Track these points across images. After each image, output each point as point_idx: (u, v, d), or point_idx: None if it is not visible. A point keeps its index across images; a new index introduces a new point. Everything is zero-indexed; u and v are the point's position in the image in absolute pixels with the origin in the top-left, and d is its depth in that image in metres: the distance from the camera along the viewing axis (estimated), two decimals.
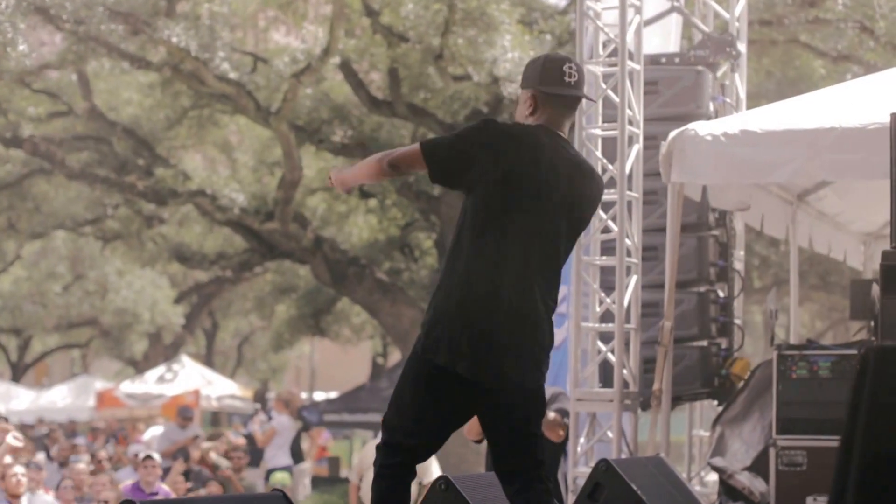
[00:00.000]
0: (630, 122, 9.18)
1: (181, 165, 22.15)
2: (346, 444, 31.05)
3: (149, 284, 31.80)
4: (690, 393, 9.74)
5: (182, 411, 19.03)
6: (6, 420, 16.22)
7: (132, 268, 31.15)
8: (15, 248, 32.08)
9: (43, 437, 21.73)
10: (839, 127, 8.15)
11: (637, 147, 9.25)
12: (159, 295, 31.97)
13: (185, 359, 30.78)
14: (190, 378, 28.71)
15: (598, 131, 9.31)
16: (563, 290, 10.14)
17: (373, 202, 22.72)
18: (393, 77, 19.04)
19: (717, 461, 9.06)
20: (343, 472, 25.86)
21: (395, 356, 32.47)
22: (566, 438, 8.89)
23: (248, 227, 20.65)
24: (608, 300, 9.16)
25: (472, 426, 8.15)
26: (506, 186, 5.10)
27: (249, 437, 20.01)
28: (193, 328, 36.02)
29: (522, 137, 5.17)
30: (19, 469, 10.84)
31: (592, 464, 7.07)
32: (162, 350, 34.00)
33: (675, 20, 10.49)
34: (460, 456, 18.17)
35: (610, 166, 9.07)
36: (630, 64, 9.17)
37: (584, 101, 9.07)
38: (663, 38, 10.45)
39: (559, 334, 10.46)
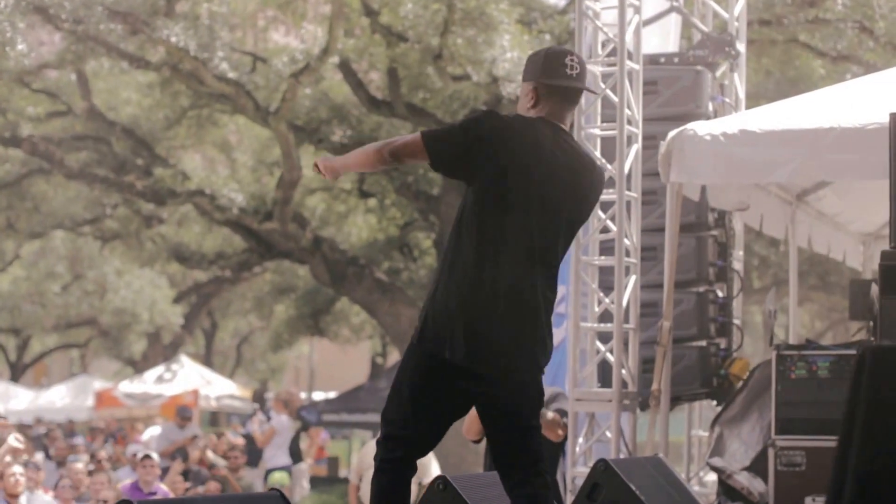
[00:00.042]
0: (629, 122, 9.17)
1: (180, 165, 22.15)
2: (345, 444, 31.05)
3: (148, 284, 31.79)
4: (689, 393, 9.73)
5: (181, 411, 19.02)
6: (5, 419, 16.23)
7: (131, 267, 31.14)
8: (14, 247, 32.09)
9: (41, 436, 21.72)
10: (838, 127, 8.14)
11: (636, 147, 9.24)
12: (158, 295, 31.96)
13: (183, 359, 30.78)
14: (189, 378, 28.71)
15: (597, 131, 9.30)
16: (561, 290, 10.16)
17: (372, 202, 22.73)
18: (392, 77, 19.04)
19: (716, 461, 9.05)
20: (342, 472, 25.85)
21: (395, 356, 32.46)
22: (565, 438, 8.89)
23: (247, 226, 20.64)
24: (607, 300, 9.16)
25: (471, 426, 8.16)
26: (506, 178, 5.09)
27: (248, 437, 20.00)
28: (192, 328, 36.01)
29: (524, 129, 5.17)
30: (18, 469, 10.84)
31: (591, 464, 7.06)
32: (161, 350, 33.99)
33: (674, 20, 10.48)
34: (460, 456, 18.17)
35: (609, 166, 9.06)
36: (629, 64, 9.16)
37: (583, 100, 9.12)
38: (662, 38, 10.44)
39: (558, 334, 10.46)
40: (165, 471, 14.32)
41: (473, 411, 7.92)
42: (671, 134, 8.55)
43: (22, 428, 22.61)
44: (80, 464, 13.66)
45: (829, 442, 7.22)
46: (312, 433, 21.14)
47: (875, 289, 8.40)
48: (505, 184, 5.10)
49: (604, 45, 9.43)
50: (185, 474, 14.96)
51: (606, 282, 9.24)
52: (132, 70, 20.19)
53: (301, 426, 20.59)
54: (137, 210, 24.03)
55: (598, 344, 9.26)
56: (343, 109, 20.01)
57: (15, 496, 10.77)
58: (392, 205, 22.18)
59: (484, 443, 8.35)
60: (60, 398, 31.94)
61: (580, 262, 9.26)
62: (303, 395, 35.07)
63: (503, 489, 5.24)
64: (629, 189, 9.17)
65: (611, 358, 9.09)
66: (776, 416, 8.48)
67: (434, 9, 16.97)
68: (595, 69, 9.26)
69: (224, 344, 42.53)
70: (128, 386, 29.34)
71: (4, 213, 25.29)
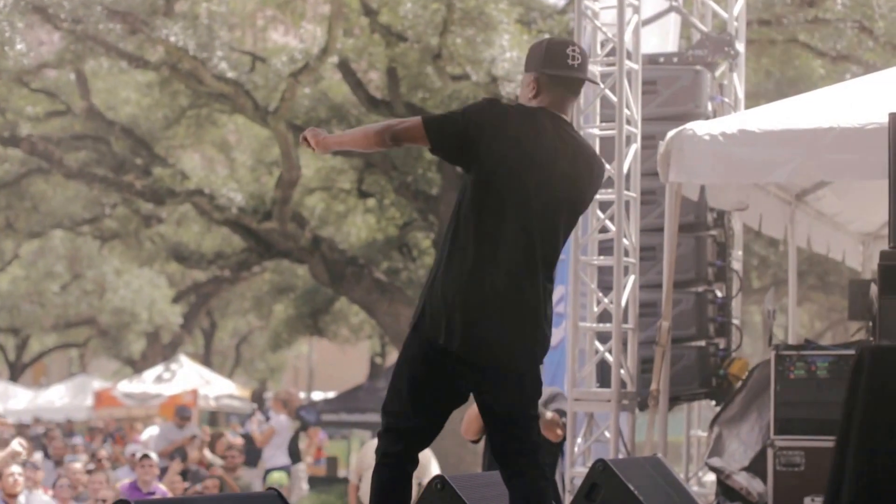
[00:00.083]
0: (628, 122, 9.17)
1: (179, 165, 22.14)
2: (344, 444, 31.06)
3: (147, 284, 31.77)
4: (688, 393, 9.72)
5: (179, 411, 19.00)
6: (4, 419, 16.23)
7: (130, 267, 31.13)
8: (13, 247, 32.09)
9: (40, 436, 21.71)
10: (837, 127, 8.13)
11: (635, 147, 9.24)
12: (157, 294, 31.95)
13: (183, 358, 30.77)
14: (188, 378, 28.70)
15: (596, 131, 9.29)
16: (560, 290, 10.20)
17: (371, 202, 22.72)
18: (391, 76, 19.04)
19: (715, 461, 9.04)
20: (341, 472, 25.86)
21: (394, 356, 32.44)
22: (564, 438, 8.88)
23: (246, 226, 20.63)
24: (606, 300, 9.15)
25: (470, 426, 8.16)
26: (506, 166, 5.10)
27: (247, 437, 19.99)
28: (191, 328, 36.00)
29: (525, 118, 5.17)
30: (16, 468, 10.83)
31: (590, 464, 7.06)
32: (160, 350, 33.98)
33: (673, 20, 10.47)
34: (458, 456, 18.16)
35: (608, 166, 9.04)
36: (628, 63, 9.16)
37: (581, 100, 9.12)
38: (661, 38, 10.43)
39: (557, 334, 10.47)
40: (164, 471, 14.30)
41: (472, 411, 7.97)
42: (670, 134, 8.54)
43: (21, 428, 22.62)
44: (79, 463, 13.66)
45: (829, 442, 7.20)
46: (311, 433, 21.11)
47: (874, 289, 8.39)
48: (505, 172, 5.10)
49: (603, 45, 9.42)
50: (184, 474, 14.94)
51: (605, 282, 9.23)
52: (131, 70, 20.17)
53: (300, 426, 20.57)
54: (136, 210, 24.02)
55: (597, 344, 9.26)
56: (342, 109, 20.00)
57: (13, 496, 10.76)
58: (391, 205, 22.17)
59: (482, 443, 8.35)
60: (59, 398, 31.94)
61: (579, 261, 9.25)
62: (302, 395, 35.06)
63: (501, 489, 5.24)
64: (628, 189, 9.16)
65: (609, 358, 9.08)
66: (775, 416, 8.47)
67: (433, 8, 16.97)
68: (594, 69, 9.25)
69: (223, 344, 42.51)
70: (127, 386, 29.33)
71: (3, 213, 25.29)
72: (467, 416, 8.13)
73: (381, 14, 18.44)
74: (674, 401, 9.52)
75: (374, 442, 5.42)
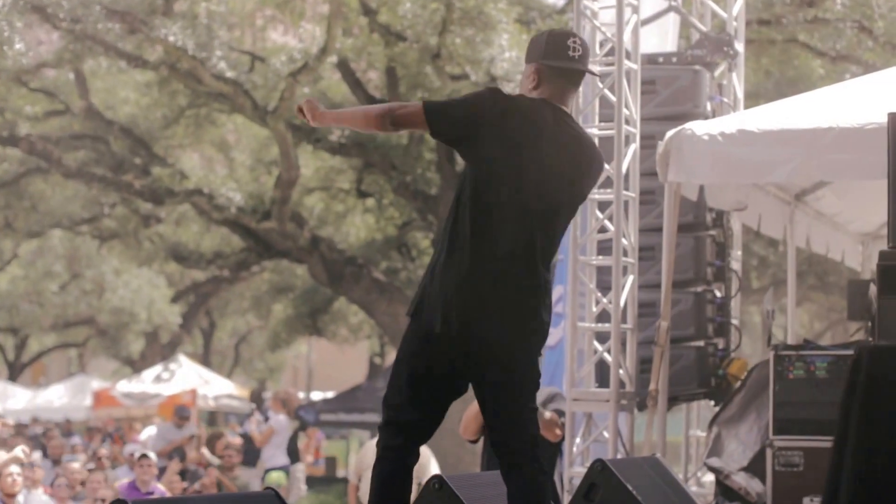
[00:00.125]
0: (627, 122, 9.16)
1: (178, 164, 22.12)
2: (343, 444, 31.03)
3: (146, 284, 31.76)
4: (687, 393, 9.71)
5: (178, 411, 19.00)
6: (4, 419, 16.23)
7: (129, 267, 31.12)
8: (12, 246, 32.08)
9: (39, 436, 21.70)
10: (837, 127, 8.12)
11: (634, 147, 9.23)
12: (156, 294, 31.94)
13: (182, 358, 30.76)
14: (187, 377, 28.70)
15: (595, 131, 9.28)
16: (559, 290, 10.19)
17: (370, 202, 22.71)
18: (390, 76, 19.03)
19: (714, 461, 9.04)
20: (340, 472, 25.84)
21: (393, 356, 32.32)
22: (563, 438, 8.87)
23: (245, 226, 20.62)
24: (605, 300, 9.14)
25: (468, 426, 8.15)
26: (506, 157, 5.10)
27: (246, 437, 19.99)
28: (190, 327, 35.99)
29: (527, 109, 5.17)
30: (15, 469, 10.83)
31: (588, 464, 7.05)
32: (159, 349, 33.97)
33: (672, 19, 10.46)
34: (457, 456, 18.16)
35: (606, 166, 9.03)
36: (627, 63, 9.15)
37: (581, 100, 9.11)
38: (660, 38, 10.42)
39: (556, 334, 10.48)
40: (163, 470, 14.29)
41: (470, 411, 7.97)
42: (669, 134, 8.53)
43: (19, 427, 22.61)
44: (77, 463, 13.65)
45: (827, 442, 7.18)
46: (310, 433, 21.12)
47: (873, 289, 8.38)
48: (504, 163, 5.10)
49: (602, 45, 9.41)
50: (183, 474, 14.93)
51: (604, 282, 9.23)
52: (130, 69, 20.16)
53: (299, 426, 20.57)
54: (135, 209, 24.01)
55: (596, 344, 9.25)
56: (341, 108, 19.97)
57: (12, 496, 10.76)
58: (390, 204, 22.16)
59: (481, 443, 8.35)
60: (58, 397, 31.95)
61: (578, 261, 9.24)
62: (301, 395, 35.05)
63: (500, 489, 5.23)
64: (627, 189, 9.16)
65: (608, 358, 9.08)
66: (774, 416, 8.46)
67: (432, 8, 16.96)
68: (593, 69, 9.23)
69: (222, 343, 42.50)
70: (126, 385, 29.31)
71: (2, 213, 25.28)
72: (466, 416, 8.12)
73: (380, 14, 18.43)
74: (672, 401, 9.52)
75: (374, 442, 5.41)
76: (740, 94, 10.47)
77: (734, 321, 10.14)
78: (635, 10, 9.25)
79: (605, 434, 9.12)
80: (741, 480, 8.69)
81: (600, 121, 9.31)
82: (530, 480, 5.10)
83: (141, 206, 23.40)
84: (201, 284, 32.60)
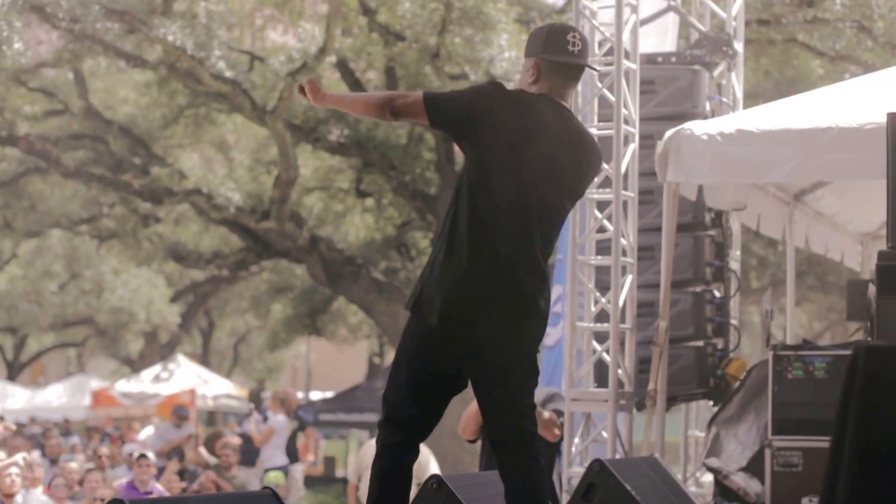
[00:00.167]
0: (626, 122, 9.15)
1: (177, 164, 22.12)
2: (342, 444, 31.03)
3: (145, 283, 31.76)
4: (686, 393, 9.71)
5: (177, 410, 18.99)
6: (3, 420, 16.20)
7: (128, 267, 31.11)
8: (11, 246, 32.08)
9: (37, 435, 21.69)
10: (836, 127, 8.12)
11: (633, 146, 9.22)
12: (155, 294, 31.94)
13: (180, 358, 30.75)
14: (186, 377, 28.69)
15: (594, 130, 9.26)
16: (558, 290, 10.19)
17: (369, 201, 22.71)
18: (389, 76, 19.01)
19: (713, 462, 9.03)
20: (339, 472, 25.84)
21: (392, 356, 32.37)
22: (561, 438, 8.87)
23: (244, 226, 20.61)
24: (603, 300, 9.13)
25: (467, 426, 8.14)
26: (506, 150, 5.10)
27: (245, 437, 19.98)
28: (189, 327, 35.99)
29: (527, 103, 5.17)
30: (14, 469, 10.83)
31: (587, 464, 7.04)
32: (158, 349, 33.96)
33: (671, 19, 10.46)
34: (456, 456, 18.15)
35: (605, 166, 9.03)
36: (626, 63, 9.14)
37: (579, 100, 9.10)
38: (660, 38, 10.42)
39: (554, 334, 10.48)
40: (162, 470, 14.29)
41: (469, 410, 7.96)
42: (668, 133, 8.52)
43: (17, 427, 22.59)
44: (74, 463, 13.65)
45: (826, 442, 7.19)
46: (308, 433, 21.12)
47: (872, 289, 8.37)
48: (504, 156, 5.10)
49: (601, 45, 9.40)
50: (181, 473, 14.92)
51: (603, 281, 9.22)
52: (129, 69, 20.16)
53: (298, 426, 20.56)
54: (134, 209, 24.00)
55: (595, 344, 9.24)
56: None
57: (10, 496, 10.76)
58: (389, 204, 22.15)
59: (480, 442, 8.34)
60: (57, 397, 31.94)
61: (577, 261, 9.23)
62: (300, 395, 35.04)
63: (498, 488, 5.23)
64: (626, 189, 9.15)
65: (607, 358, 9.07)
66: (773, 416, 8.46)
67: (432, 8, 16.96)
68: (592, 65, 9.22)
69: (221, 343, 42.50)
70: (124, 385, 29.30)
71: (1, 212, 25.27)
72: (465, 416, 8.12)
73: (379, 13, 18.43)
74: (671, 401, 9.51)
75: (373, 441, 5.40)
76: (739, 94, 10.47)
77: (733, 321, 10.14)
78: (634, 9, 9.25)
79: (604, 434, 9.11)
80: (740, 480, 8.69)
81: (599, 120, 9.30)
82: (528, 479, 5.09)
83: (140, 205, 23.39)
84: (200, 284, 32.60)
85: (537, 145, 5.12)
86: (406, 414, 5.18)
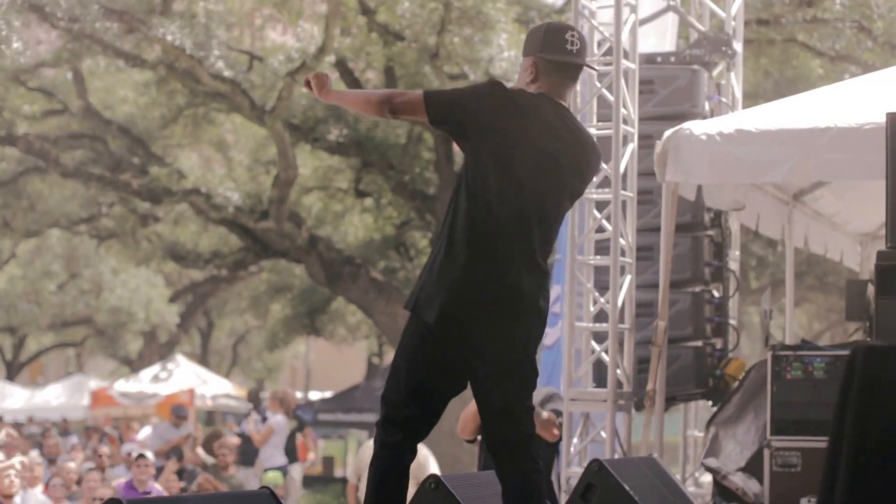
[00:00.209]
0: (625, 122, 9.14)
1: (176, 164, 22.12)
2: (341, 444, 31.01)
3: (143, 283, 31.75)
4: (685, 393, 9.70)
5: (176, 410, 18.97)
6: (11, 430, 16.19)
7: (127, 266, 31.10)
8: (10, 246, 32.07)
9: (36, 435, 21.68)
10: (835, 126, 8.11)
11: (632, 146, 9.21)
12: (154, 294, 31.93)
13: (179, 358, 30.74)
14: (185, 377, 28.68)
15: (593, 130, 9.25)
16: (556, 290, 10.18)
17: (368, 201, 22.70)
18: (389, 76, 19.01)
19: (712, 462, 9.02)
20: (338, 472, 25.82)
21: (391, 356, 32.33)
22: (560, 438, 8.86)
23: (243, 225, 20.60)
24: (602, 300, 9.12)
25: (466, 426, 8.13)
26: (505, 149, 5.10)
27: (244, 437, 19.98)
28: (188, 327, 35.97)
29: (525, 104, 5.17)
30: (12, 471, 10.82)
31: (586, 464, 7.04)
32: (157, 349, 33.95)
33: (670, 19, 10.45)
34: (455, 456, 18.14)
35: (604, 165, 9.02)
36: (625, 63, 9.13)
37: (578, 100, 9.10)
38: (659, 37, 10.40)
39: (553, 334, 10.47)
40: (160, 470, 14.28)
41: (468, 411, 7.95)
42: (667, 133, 8.51)
43: (16, 426, 22.58)
44: (73, 463, 13.64)
45: (825, 443, 7.19)
46: (305, 433, 21.07)
47: (871, 289, 8.37)
48: (503, 155, 5.10)
49: (600, 45, 9.40)
50: (180, 473, 14.91)
51: (602, 281, 9.21)
52: (128, 68, 20.15)
53: (297, 426, 20.55)
54: (133, 209, 23.98)
55: (594, 344, 9.23)
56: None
57: (9, 496, 10.75)
58: (388, 204, 22.15)
59: (478, 443, 8.33)
60: (56, 397, 31.92)
61: (575, 261, 9.23)
62: (299, 395, 35.02)
63: (496, 488, 5.22)
64: (625, 188, 9.14)
65: (606, 358, 9.06)
66: (772, 416, 8.45)
67: (431, 7, 16.95)
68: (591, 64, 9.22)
69: (220, 343, 42.49)
70: (123, 385, 29.30)
71: (0, 212, 25.24)
72: (463, 416, 8.11)
73: (378, 13, 18.42)
74: (670, 401, 9.50)
75: (372, 441, 5.39)
76: (739, 94, 10.46)
77: (732, 321, 10.13)
78: (633, 9, 9.24)
79: (603, 434, 9.10)
80: (739, 481, 8.68)
81: (598, 120, 9.30)
82: (526, 479, 5.09)
83: (139, 205, 23.37)
84: (199, 284, 32.58)
85: (537, 145, 5.12)
86: (405, 414, 5.17)
